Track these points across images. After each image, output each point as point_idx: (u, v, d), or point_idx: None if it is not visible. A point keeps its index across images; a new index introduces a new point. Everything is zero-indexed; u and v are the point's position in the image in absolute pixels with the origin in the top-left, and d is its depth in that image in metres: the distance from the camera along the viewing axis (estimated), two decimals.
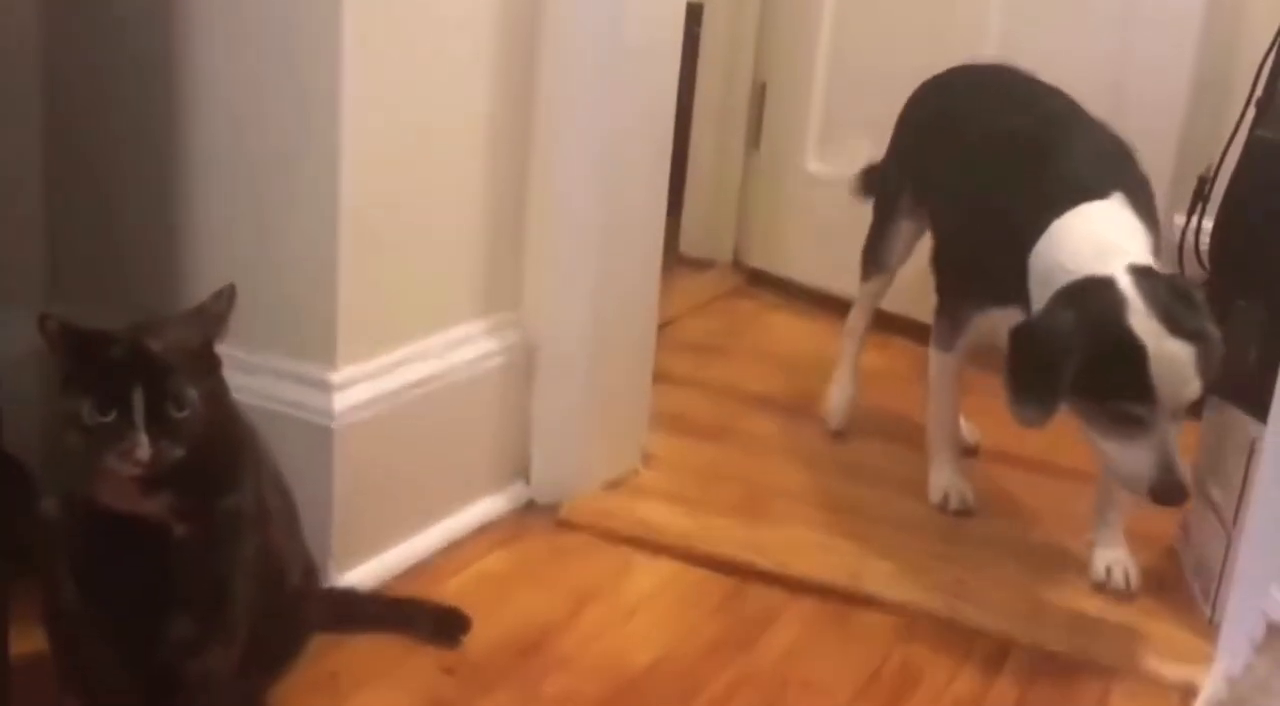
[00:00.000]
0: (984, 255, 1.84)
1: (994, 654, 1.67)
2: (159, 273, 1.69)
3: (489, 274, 1.86)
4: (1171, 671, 1.62)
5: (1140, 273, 1.63)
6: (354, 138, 1.56)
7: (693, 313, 2.81)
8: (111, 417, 1.18)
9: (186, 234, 1.67)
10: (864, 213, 2.78)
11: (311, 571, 1.46)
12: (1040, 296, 1.68)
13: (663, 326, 2.45)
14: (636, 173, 1.94)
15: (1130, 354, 1.59)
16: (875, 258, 2.26)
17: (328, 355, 1.62)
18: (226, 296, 1.28)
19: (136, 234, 1.71)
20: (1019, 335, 1.68)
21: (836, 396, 2.31)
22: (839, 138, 2.85)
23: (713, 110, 3.03)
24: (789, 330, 2.79)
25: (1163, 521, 1.90)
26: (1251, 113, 2.15)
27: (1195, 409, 1.70)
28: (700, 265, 3.05)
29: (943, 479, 2.04)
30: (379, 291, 1.66)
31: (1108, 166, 1.78)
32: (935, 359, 2.02)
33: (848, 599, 1.76)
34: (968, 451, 2.21)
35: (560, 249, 1.89)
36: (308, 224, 1.59)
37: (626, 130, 1.89)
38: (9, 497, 1.35)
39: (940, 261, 2.01)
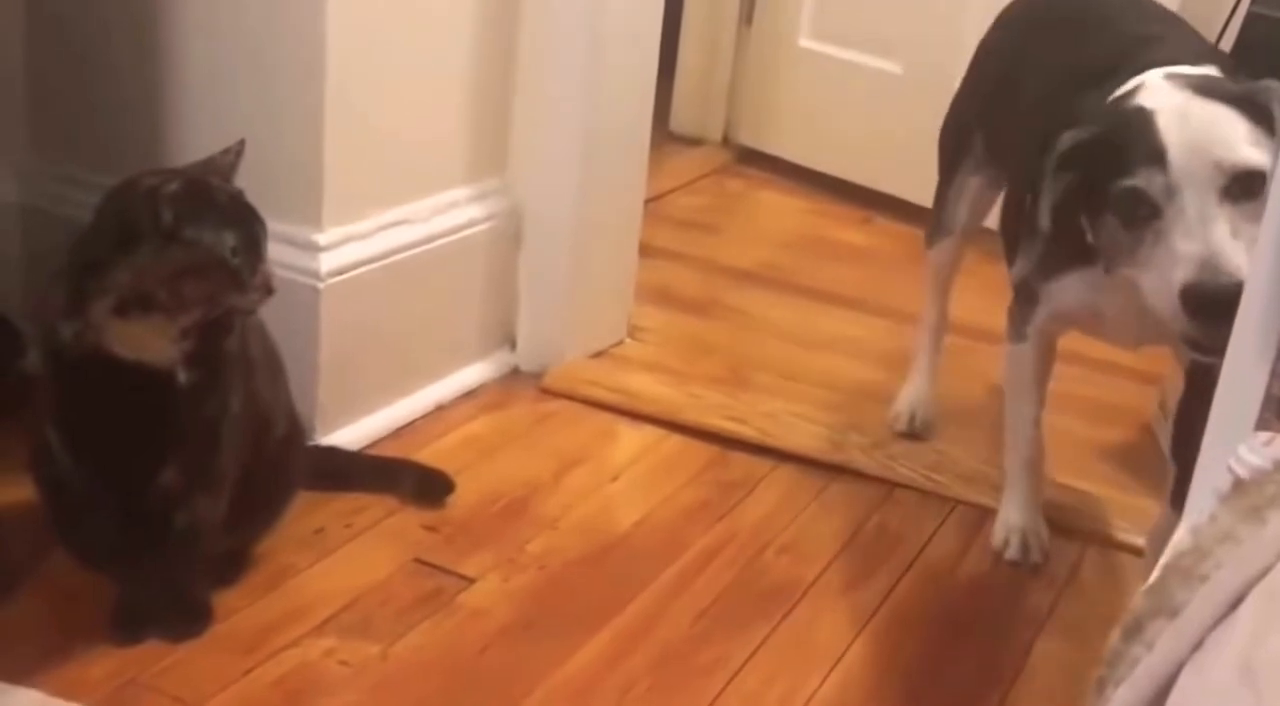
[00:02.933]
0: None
1: (971, 522, 1.70)
2: (141, 132, 1.67)
3: (476, 140, 1.84)
4: (1142, 540, 1.66)
5: (1192, 74, 1.31)
6: None
7: (682, 189, 2.80)
8: (241, 259, 1.22)
9: (170, 93, 1.65)
10: (856, 90, 2.78)
11: (296, 424, 1.47)
12: None
13: (651, 202, 2.45)
14: (626, 42, 1.92)
15: (1137, 121, 1.27)
16: (939, 217, 1.85)
17: (314, 216, 1.61)
18: (235, 151, 1.30)
19: (118, 94, 1.69)
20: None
21: (906, 395, 1.92)
22: (833, 14, 2.82)
23: None
24: (777, 208, 2.79)
25: (1140, 398, 1.92)
26: None
27: None
28: (690, 142, 3.03)
29: (1011, 517, 1.64)
30: (365, 155, 1.65)
31: (1206, 56, 1.44)
32: (1007, 354, 1.61)
33: (828, 468, 1.79)
34: None
35: (547, 117, 1.88)
36: (293, 84, 1.58)
37: (616, 1, 1.86)
38: None
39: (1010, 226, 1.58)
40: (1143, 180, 1.24)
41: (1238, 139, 1.24)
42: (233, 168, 1.29)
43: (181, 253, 1.20)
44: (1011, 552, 1.61)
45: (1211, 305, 1.17)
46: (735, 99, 3.04)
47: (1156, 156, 1.24)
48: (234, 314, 1.24)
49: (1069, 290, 1.45)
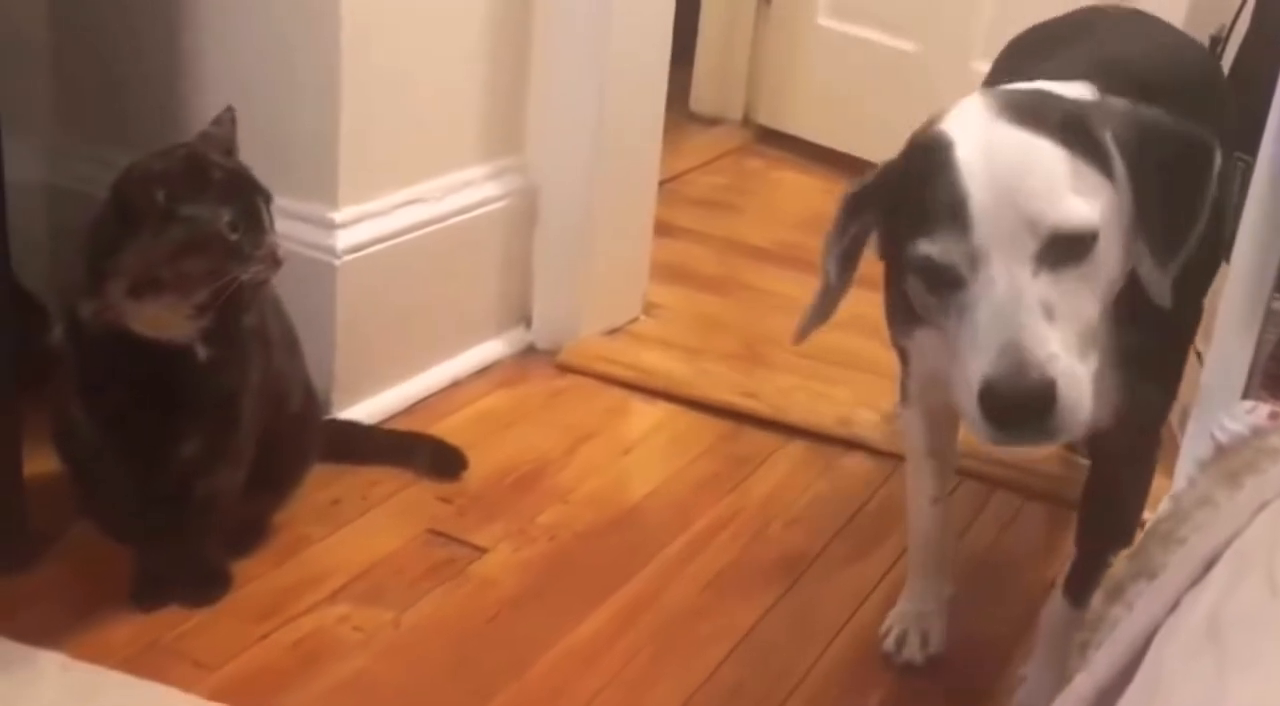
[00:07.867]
0: None
1: (976, 496, 1.72)
2: (161, 111, 1.70)
3: (491, 119, 1.87)
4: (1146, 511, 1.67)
5: (1015, 91, 1.05)
6: None
7: (700, 168, 2.82)
8: (241, 232, 1.24)
9: (190, 72, 1.68)
10: (873, 69, 2.78)
11: (313, 398, 1.50)
12: None
13: (670, 181, 2.47)
14: (640, 21, 1.94)
15: (935, 155, 0.99)
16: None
17: (330, 194, 1.65)
18: (228, 120, 1.32)
19: (139, 74, 1.72)
20: None
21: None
22: None
23: None
24: (796, 187, 2.80)
25: None
26: None
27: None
28: (709, 122, 3.05)
29: (901, 602, 1.45)
30: (381, 133, 1.68)
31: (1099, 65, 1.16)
32: (899, 418, 1.43)
33: (837, 443, 1.81)
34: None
35: (563, 96, 1.90)
36: (309, 64, 1.61)
37: None
38: (22, 327, 1.39)
39: None
40: (940, 247, 0.97)
41: (1056, 188, 0.96)
42: (230, 138, 1.31)
43: (179, 231, 1.22)
44: (886, 644, 1.42)
45: (1011, 409, 0.93)
46: (754, 78, 3.05)
47: (956, 210, 0.96)
48: (245, 289, 1.27)
49: (924, 350, 1.22)
